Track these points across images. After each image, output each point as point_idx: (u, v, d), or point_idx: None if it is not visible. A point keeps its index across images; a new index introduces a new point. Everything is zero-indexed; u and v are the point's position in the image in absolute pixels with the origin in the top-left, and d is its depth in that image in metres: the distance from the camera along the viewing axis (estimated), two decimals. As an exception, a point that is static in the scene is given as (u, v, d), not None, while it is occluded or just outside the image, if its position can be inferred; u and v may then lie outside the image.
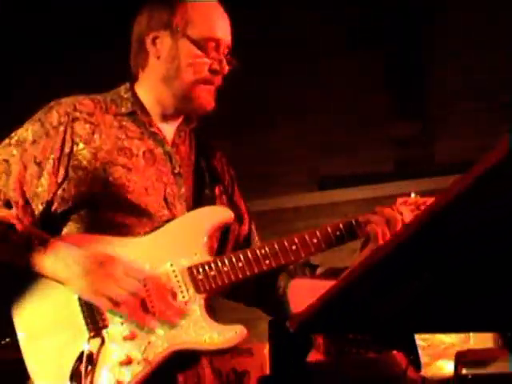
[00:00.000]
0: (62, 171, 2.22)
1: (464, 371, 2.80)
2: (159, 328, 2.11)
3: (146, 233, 2.22)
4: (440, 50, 6.78)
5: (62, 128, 2.25)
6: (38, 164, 2.22)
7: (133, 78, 2.43)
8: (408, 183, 6.70)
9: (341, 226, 2.32)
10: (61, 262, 2.07)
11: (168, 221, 2.25)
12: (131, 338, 2.09)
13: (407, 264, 0.98)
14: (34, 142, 2.24)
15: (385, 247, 0.91)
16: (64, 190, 2.21)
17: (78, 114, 2.28)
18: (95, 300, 2.06)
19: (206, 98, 2.33)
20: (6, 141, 2.28)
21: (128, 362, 2.07)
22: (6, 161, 2.22)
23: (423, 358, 4.00)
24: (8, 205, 2.18)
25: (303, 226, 7.17)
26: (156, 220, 2.25)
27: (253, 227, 2.55)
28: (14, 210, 2.17)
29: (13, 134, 2.29)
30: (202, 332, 2.14)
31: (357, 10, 6.86)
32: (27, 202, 2.21)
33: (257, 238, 2.55)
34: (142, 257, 2.17)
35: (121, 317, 2.10)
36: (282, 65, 6.98)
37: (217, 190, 2.45)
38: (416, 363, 2.82)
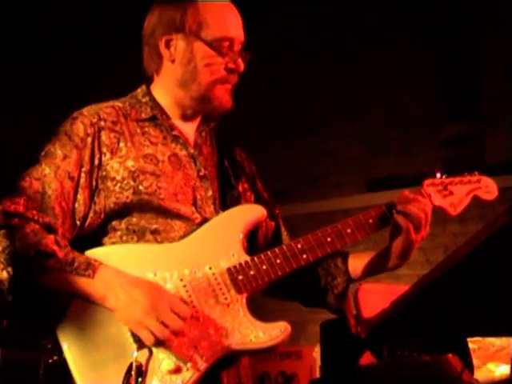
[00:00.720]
0: (93, 183, 2.22)
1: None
2: (205, 333, 2.12)
3: (181, 237, 2.23)
4: (491, 49, 6.71)
5: (89, 139, 2.24)
6: (72, 179, 2.20)
7: (148, 80, 2.42)
8: (457, 184, 6.67)
9: (373, 213, 2.32)
10: (109, 291, 2.07)
11: (201, 223, 2.27)
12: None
13: (476, 273, 0.99)
14: (65, 157, 2.22)
15: (456, 256, 0.92)
16: (95, 202, 2.21)
17: (102, 124, 2.27)
18: (138, 332, 2.06)
19: (225, 97, 2.34)
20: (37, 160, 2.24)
21: (177, 369, 2.08)
22: (38, 179, 2.19)
23: (473, 361, 3.96)
24: (47, 228, 2.14)
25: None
26: (189, 223, 2.26)
27: (280, 221, 2.55)
28: (52, 236, 2.12)
29: (42, 153, 2.26)
30: (247, 332, 2.15)
31: (411, 10, 6.82)
32: (65, 219, 2.19)
33: (285, 232, 2.55)
34: (181, 263, 2.18)
35: None
36: (333, 65, 6.97)
37: (241, 187, 2.45)
38: (470, 367, 2.79)
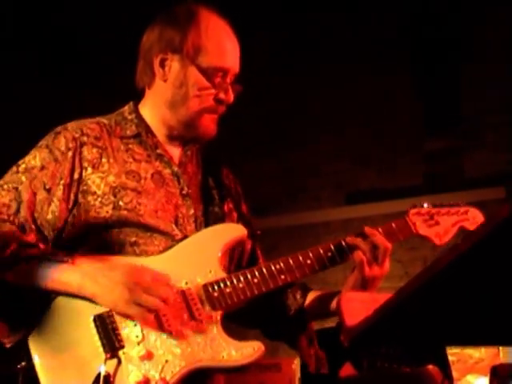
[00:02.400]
0: (72, 197, 2.21)
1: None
2: (176, 346, 2.10)
3: (160, 252, 2.23)
4: (472, 64, 6.77)
5: (70, 153, 2.24)
6: (48, 190, 2.20)
7: (137, 95, 2.43)
8: (437, 197, 6.70)
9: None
10: (87, 277, 2.06)
11: (181, 239, 2.26)
12: (148, 357, 2.07)
13: (458, 281, 1.00)
14: (42, 168, 2.22)
15: (438, 265, 0.94)
16: (74, 215, 2.21)
17: (85, 139, 2.27)
18: (128, 310, 2.05)
19: (210, 127, 2.34)
20: (14, 169, 2.25)
21: (145, 382, 2.05)
22: (16, 188, 2.19)
23: (453, 373, 3.99)
24: (23, 229, 2.15)
25: (333, 240, 7.15)
26: (169, 239, 2.26)
27: (256, 243, 2.55)
28: (31, 234, 2.15)
29: (20, 162, 2.26)
30: (220, 349, 2.13)
31: (392, 22, 6.87)
32: (38, 230, 2.18)
33: (261, 255, 2.55)
34: (155, 277, 2.15)
35: (137, 337, 2.08)
36: (317, 80, 7.00)
37: (226, 207, 2.45)
38: (450, 379, 2.82)
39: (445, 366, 2.77)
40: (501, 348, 6.00)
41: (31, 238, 2.14)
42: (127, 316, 2.07)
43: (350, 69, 6.96)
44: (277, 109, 7.04)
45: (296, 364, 5.03)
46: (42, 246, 2.12)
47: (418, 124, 6.80)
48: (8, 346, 2.08)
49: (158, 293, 2.06)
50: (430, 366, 2.85)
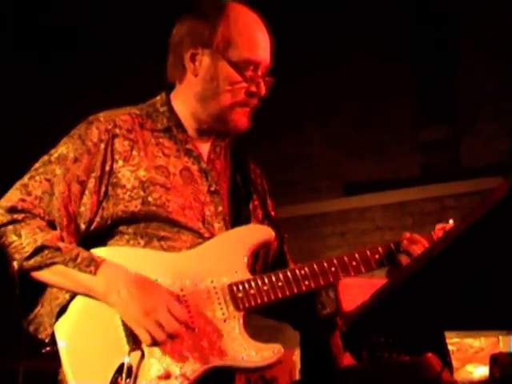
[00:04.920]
0: (102, 189, 2.20)
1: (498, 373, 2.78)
2: (198, 344, 2.11)
3: (188, 248, 2.22)
4: (468, 53, 6.77)
5: (102, 145, 2.22)
6: (81, 183, 2.19)
7: (169, 87, 2.39)
8: (434, 187, 6.71)
9: (380, 249, 2.31)
10: (111, 287, 2.07)
11: (209, 238, 2.25)
12: (171, 352, 2.08)
13: (453, 266, 1.00)
14: (75, 160, 2.21)
15: (436, 248, 0.94)
16: (103, 208, 2.20)
17: (117, 131, 2.25)
18: (136, 330, 2.05)
19: (241, 120, 2.31)
20: (46, 158, 2.24)
21: (166, 376, 2.06)
22: (48, 180, 2.18)
23: (453, 363, 3.98)
24: (52, 225, 2.14)
25: (331, 231, 7.17)
26: (196, 236, 2.24)
27: (283, 243, 2.53)
28: (58, 232, 2.13)
29: (52, 151, 2.24)
30: (240, 349, 2.13)
31: (387, 15, 6.87)
32: (71, 222, 2.17)
33: (288, 255, 2.53)
34: (184, 273, 2.16)
35: None
36: (312, 70, 7.00)
37: (251, 205, 2.43)
38: (449, 366, 2.81)
39: (444, 355, 2.76)
40: (500, 337, 6.02)
41: (57, 236, 2.12)
42: (137, 335, 2.06)
43: (346, 60, 6.96)
44: (273, 100, 7.03)
45: (296, 355, 5.04)
46: (67, 247, 2.10)
47: (415, 114, 6.81)
48: (47, 340, 2.10)
49: (169, 328, 2.05)
50: (430, 355, 2.84)
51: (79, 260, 2.08)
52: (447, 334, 3.01)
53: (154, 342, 2.05)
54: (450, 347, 3.95)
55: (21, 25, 7.24)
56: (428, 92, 6.81)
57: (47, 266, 2.07)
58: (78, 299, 2.11)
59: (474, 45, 6.79)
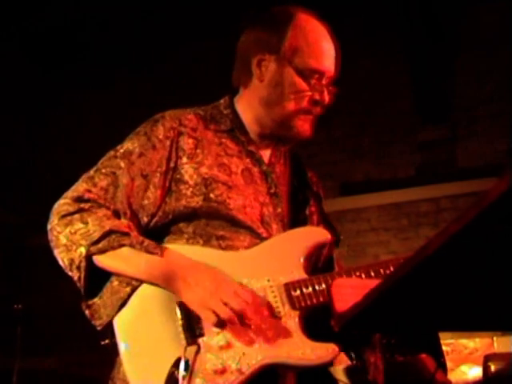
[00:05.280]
0: (166, 185, 2.25)
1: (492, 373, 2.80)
2: (254, 341, 2.14)
3: (246, 248, 2.26)
4: (465, 53, 6.77)
5: (168, 142, 2.27)
6: (145, 177, 2.24)
7: (233, 91, 2.45)
8: (430, 188, 6.72)
9: None
10: (173, 273, 2.12)
11: (267, 238, 2.28)
12: (227, 347, 2.12)
13: (448, 266, 1.00)
14: (140, 154, 2.26)
15: (430, 247, 0.93)
16: (166, 203, 2.24)
17: (182, 129, 2.30)
18: (202, 313, 2.09)
19: (304, 127, 2.35)
20: (112, 153, 2.30)
21: (222, 371, 2.09)
22: (114, 173, 2.24)
23: (447, 363, 3.98)
24: (117, 215, 2.20)
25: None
26: (255, 236, 2.28)
27: (333, 248, 2.54)
28: (125, 220, 2.19)
29: (118, 147, 2.31)
30: (296, 347, 2.16)
31: (386, 16, 6.87)
32: (133, 214, 2.23)
33: (336, 259, 2.54)
34: (241, 271, 2.20)
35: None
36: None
37: (308, 210, 2.46)
38: (443, 367, 2.82)
39: (438, 355, 2.77)
40: (495, 338, 6.03)
41: (124, 224, 2.18)
42: (202, 317, 2.11)
43: (343, 62, 6.96)
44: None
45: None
46: (134, 233, 2.17)
47: (412, 115, 6.81)
48: (99, 328, 2.16)
49: (235, 305, 2.09)
50: (424, 355, 2.85)
51: (146, 243, 2.14)
52: (442, 335, 3.01)
53: (220, 322, 2.08)
54: (444, 348, 3.96)
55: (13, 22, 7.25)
56: (425, 93, 6.81)
57: (114, 248, 2.12)
58: (138, 294, 2.15)
59: (471, 46, 6.79)
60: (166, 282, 2.12)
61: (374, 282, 1.05)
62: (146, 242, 2.15)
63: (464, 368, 5.94)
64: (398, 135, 6.86)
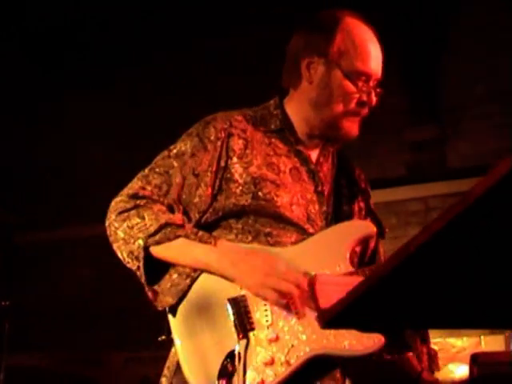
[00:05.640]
0: (217, 183, 2.35)
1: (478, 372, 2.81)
2: (302, 333, 2.21)
3: (292, 244, 2.33)
4: (454, 54, 6.79)
5: (219, 143, 2.37)
6: (196, 176, 2.35)
7: (283, 92, 2.53)
8: (419, 187, 6.73)
9: None
10: (227, 260, 2.22)
11: (313, 234, 2.36)
12: (276, 340, 2.21)
13: (436, 261, 1.00)
14: (192, 155, 2.37)
15: (414, 244, 0.94)
16: (217, 200, 2.35)
17: (233, 130, 2.40)
18: (263, 293, 2.19)
19: (351, 128, 2.45)
20: (165, 153, 2.41)
21: (271, 362, 2.18)
22: (167, 172, 2.36)
23: (435, 362, 3.99)
24: (171, 210, 2.33)
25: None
26: (301, 232, 2.35)
27: (379, 242, 2.60)
28: (180, 214, 2.32)
29: (171, 147, 2.42)
30: (342, 338, 2.21)
31: (374, 14, 6.87)
32: (185, 211, 2.35)
33: (382, 253, 2.58)
34: (288, 267, 2.26)
35: (267, 321, 2.23)
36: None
37: (356, 207, 2.54)
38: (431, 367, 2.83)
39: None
40: (482, 337, 6.06)
41: (179, 217, 2.30)
42: (263, 299, 2.21)
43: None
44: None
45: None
46: (188, 225, 2.29)
47: (402, 114, 6.82)
48: (160, 308, 2.27)
49: (292, 279, 2.18)
50: (410, 354, 2.86)
51: (200, 234, 2.26)
52: (430, 334, 3.02)
53: (282, 297, 2.18)
54: (432, 347, 3.97)
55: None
56: (414, 93, 6.83)
57: (170, 240, 2.24)
58: (192, 291, 2.26)
59: (461, 46, 6.81)
60: (222, 269, 2.23)
61: (358, 279, 1.06)
62: (200, 232, 2.27)
63: (451, 367, 5.96)
64: (388, 135, 6.87)
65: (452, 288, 1.07)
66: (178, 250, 2.25)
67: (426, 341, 2.63)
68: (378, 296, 0.96)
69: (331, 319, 0.97)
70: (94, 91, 7.54)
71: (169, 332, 2.28)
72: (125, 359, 7.45)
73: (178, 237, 2.24)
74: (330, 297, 2.15)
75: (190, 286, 2.26)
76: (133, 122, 7.52)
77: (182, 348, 2.26)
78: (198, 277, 2.25)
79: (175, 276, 2.27)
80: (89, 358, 7.34)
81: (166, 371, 2.35)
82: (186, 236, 2.24)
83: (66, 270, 7.69)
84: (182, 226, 2.26)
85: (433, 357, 2.63)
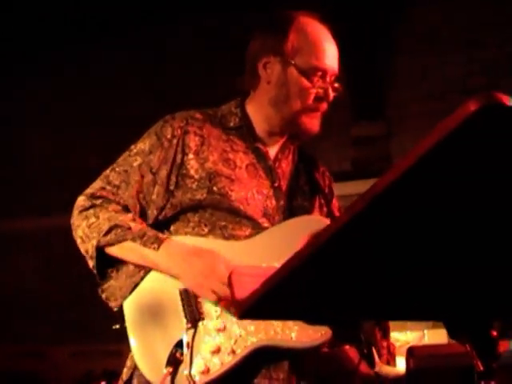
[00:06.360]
0: (173, 179, 2.43)
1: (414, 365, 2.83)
2: (250, 323, 2.27)
3: (247, 237, 2.39)
4: (398, 51, 6.85)
5: (175, 141, 2.45)
6: (154, 173, 2.44)
7: (243, 93, 2.59)
8: (364, 182, 6.78)
9: None
10: (172, 260, 2.31)
11: (267, 228, 2.41)
12: (223, 330, 2.29)
13: (354, 247, 0.97)
14: (150, 153, 2.46)
15: (330, 231, 0.92)
16: (174, 196, 2.41)
17: (189, 128, 2.47)
18: (201, 293, 2.29)
19: (311, 123, 2.48)
20: (126, 153, 2.50)
21: (218, 351, 2.25)
22: (126, 171, 2.46)
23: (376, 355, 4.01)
24: (126, 210, 2.42)
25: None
26: (256, 226, 2.40)
27: None
28: (131, 214, 2.40)
29: (132, 147, 2.51)
30: (290, 331, 2.27)
31: (322, 10, 6.89)
32: (143, 208, 2.44)
33: None
34: (241, 260, 2.32)
35: (216, 311, 2.31)
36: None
37: (317, 202, 2.57)
38: (370, 359, 2.85)
39: (362, 347, 2.80)
40: (426, 331, 6.12)
41: (130, 217, 2.39)
42: (203, 297, 2.30)
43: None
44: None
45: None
46: (137, 226, 2.38)
47: (347, 109, 6.86)
48: (115, 309, 2.38)
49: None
50: (347, 347, 2.88)
51: (145, 238, 2.34)
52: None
53: (219, 297, 2.27)
54: (392, 341, 4.00)
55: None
56: (360, 88, 6.86)
57: (119, 242, 2.34)
58: (146, 280, 2.36)
59: (407, 43, 6.87)
60: (166, 270, 2.33)
61: (273, 269, 1.05)
62: (146, 236, 2.35)
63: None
64: (333, 130, 6.90)
65: (393, 273, 1.02)
66: (128, 252, 2.35)
67: (386, 335, 2.68)
68: (289, 286, 0.95)
69: (246, 310, 0.96)
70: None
71: (123, 320, 2.35)
72: (69, 353, 7.40)
73: (125, 240, 2.34)
74: (245, 288, 2.18)
75: (143, 278, 2.36)
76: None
77: (134, 336, 2.33)
78: (150, 269, 2.36)
79: (132, 267, 2.38)
80: (31, 351, 7.27)
81: (128, 362, 2.41)
82: (133, 239, 2.33)
83: (9, 261, 7.60)
84: (129, 228, 2.35)
85: (391, 352, 2.68)
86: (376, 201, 0.84)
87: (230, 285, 2.22)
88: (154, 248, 2.32)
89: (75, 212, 2.44)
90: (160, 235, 2.37)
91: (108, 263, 2.40)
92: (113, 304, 2.39)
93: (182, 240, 2.39)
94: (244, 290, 2.15)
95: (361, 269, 1.01)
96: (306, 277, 0.94)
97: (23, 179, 7.69)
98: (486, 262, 1.03)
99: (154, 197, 2.43)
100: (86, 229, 2.39)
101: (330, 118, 7.46)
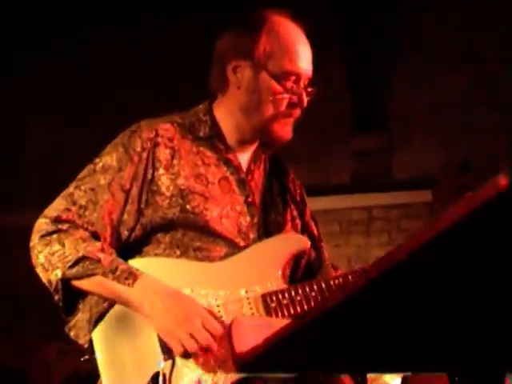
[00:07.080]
0: (144, 197, 2.26)
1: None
2: (230, 354, 2.12)
3: (222, 258, 2.26)
4: (403, 64, 6.82)
5: (145, 154, 2.28)
6: (125, 191, 2.25)
7: (211, 96, 2.42)
8: (363, 196, 6.75)
9: None
10: (147, 298, 2.12)
11: (244, 247, 2.28)
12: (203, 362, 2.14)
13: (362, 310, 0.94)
14: (119, 169, 2.26)
15: (337, 296, 0.88)
16: (143, 215, 2.25)
17: (159, 140, 2.30)
18: (169, 342, 2.10)
19: (283, 131, 2.35)
20: (91, 166, 2.29)
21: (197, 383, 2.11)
22: (93, 189, 2.25)
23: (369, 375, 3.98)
24: (94, 235, 2.22)
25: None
26: (231, 246, 2.27)
27: (323, 253, 2.52)
28: (99, 243, 2.20)
29: (97, 160, 2.30)
30: None
31: (322, 20, 6.87)
32: (113, 230, 2.25)
33: (327, 263, 2.52)
34: (218, 283, 2.21)
35: None
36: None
37: (289, 215, 2.45)
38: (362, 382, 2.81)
39: (357, 374, 2.75)
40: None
41: (98, 247, 2.19)
42: (169, 345, 2.12)
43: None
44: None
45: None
46: (107, 258, 2.17)
47: (347, 122, 6.83)
48: (86, 346, 2.20)
49: (201, 340, 2.08)
50: (342, 376, 2.83)
51: (118, 272, 2.16)
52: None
53: (186, 353, 2.08)
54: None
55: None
56: (362, 101, 6.84)
57: (88, 276, 2.15)
58: (117, 307, 2.18)
59: (409, 55, 6.84)
60: (139, 309, 2.14)
61: (277, 322, 1.00)
62: (119, 270, 2.16)
63: (387, 378, 5.98)
64: (333, 142, 6.87)
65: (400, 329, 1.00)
66: (97, 287, 2.17)
67: None
68: (292, 345, 0.90)
69: (246, 365, 0.91)
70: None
71: (93, 351, 2.19)
72: (58, 351, 7.37)
73: (94, 274, 2.14)
74: (245, 339, 2.10)
75: (107, 309, 2.18)
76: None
77: (105, 370, 2.18)
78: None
79: (95, 297, 2.20)
80: (20, 348, 7.25)
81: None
82: (104, 274, 2.14)
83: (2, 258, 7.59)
84: (99, 261, 2.16)
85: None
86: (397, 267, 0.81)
87: (229, 336, 2.13)
88: (129, 284, 2.13)
89: (36, 236, 2.21)
90: (133, 270, 2.17)
91: (73, 295, 2.20)
92: (82, 341, 2.22)
93: (153, 263, 2.23)
94: (243, 342, 2.08)
95: (374, 330, 1.00)
96: (310, 337, 0.89)
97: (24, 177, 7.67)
98: (500, 320, 1.02)
99: (124, 217, 2.25)
100: (49, 256, 2.18)
101: (332, 130, 7.42)
